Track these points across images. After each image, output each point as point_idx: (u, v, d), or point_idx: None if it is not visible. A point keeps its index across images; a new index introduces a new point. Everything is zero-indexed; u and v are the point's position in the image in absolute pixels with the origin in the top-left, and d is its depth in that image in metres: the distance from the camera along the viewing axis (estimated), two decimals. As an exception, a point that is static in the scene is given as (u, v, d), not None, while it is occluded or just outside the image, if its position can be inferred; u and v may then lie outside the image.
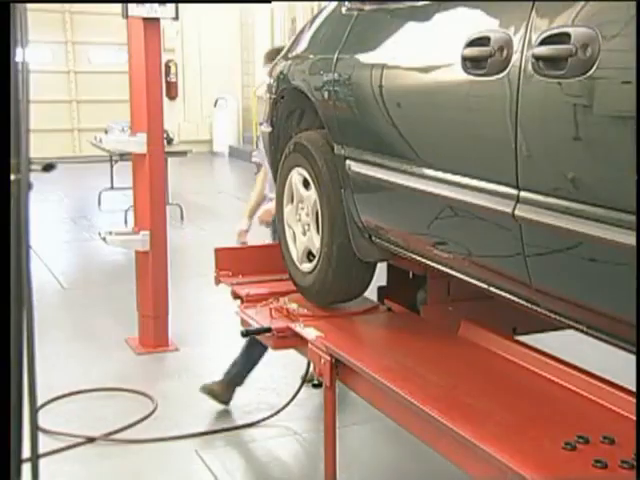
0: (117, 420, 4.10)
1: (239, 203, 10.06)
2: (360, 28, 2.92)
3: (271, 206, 4.07)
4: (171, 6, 4.87)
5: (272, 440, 3.93)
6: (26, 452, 2.18)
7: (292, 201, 3.37)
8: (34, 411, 2.21)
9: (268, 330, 3.18)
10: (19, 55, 1.99)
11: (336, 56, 2.95)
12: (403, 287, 3.47)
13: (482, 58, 2.13)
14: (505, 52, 2.06)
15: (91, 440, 3.93)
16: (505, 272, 2.31)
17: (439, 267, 2.67)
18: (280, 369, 4.69)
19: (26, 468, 2.19)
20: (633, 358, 1.88)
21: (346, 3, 3.06)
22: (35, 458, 2.22)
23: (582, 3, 1.86)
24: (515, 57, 2.03)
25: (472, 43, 2.20)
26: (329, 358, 2.80)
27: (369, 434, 3.93)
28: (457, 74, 2.24)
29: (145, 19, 4.87)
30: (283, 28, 14.14)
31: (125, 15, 4.82)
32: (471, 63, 2.20)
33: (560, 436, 2.05)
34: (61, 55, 15.54)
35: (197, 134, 16.34)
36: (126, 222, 8.54)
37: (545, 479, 1.90)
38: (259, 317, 3.32)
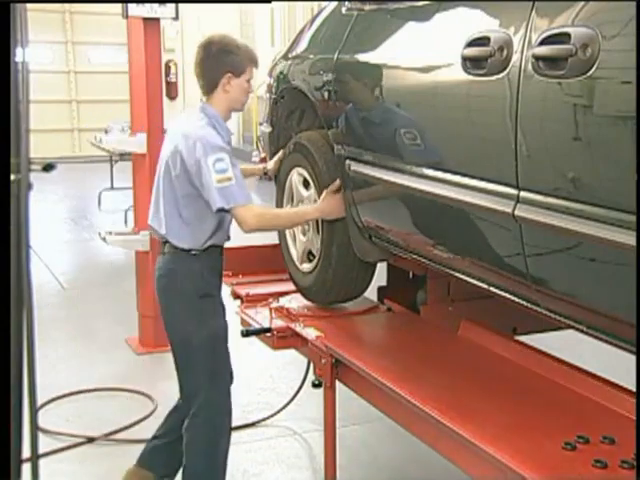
0: (117, 420, 4.10)
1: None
2: (360, 28, 2.92)
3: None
4: (171, 6, 4.87)
5: (272, 440, 3.93)
6: (26, 452, 2.17)
7: (292, 201, 3.37)
8: (34, 411, 2.21)
9: (268, 330, 3.18)
10: (19, 55, 1.99)
11: (336, 56, 2.95)
12: (403, 287, 3.47)
13: (482, 58, 2.13)
14: (505, 52, 2.06)
15: (91, 440, 3.92)
16: (505, 272, 2.31)
17: (439, 267, 2.66)
18: (280, 369, 4.69)
19: (26, 468, 2.19)
20: (633, 358, 1.88)
21: (346, 3, 3.06)
22: (35, 458, 2.22)
23: (582, 3, 1.86)
24: (515, 57, 2.03)
25: (472, 43, 2.20)
26: (329, 358, 2.80)
27: (369, 434, 3.93)
28: (457, 74, 2.24)
29: (145, 19, 4.87)
30: (283, 28, 14.12)
31: (125, 15, 4.82)
32: (471, 63, 2.19)
33: (560, 436, 2.05)
34: (61, 55, 15.51)
35: (197, 134, 16.25)
36: (126, 222, 8.53)
37: (545, 479, 1.90)
38: (259, 317, 3.33)
